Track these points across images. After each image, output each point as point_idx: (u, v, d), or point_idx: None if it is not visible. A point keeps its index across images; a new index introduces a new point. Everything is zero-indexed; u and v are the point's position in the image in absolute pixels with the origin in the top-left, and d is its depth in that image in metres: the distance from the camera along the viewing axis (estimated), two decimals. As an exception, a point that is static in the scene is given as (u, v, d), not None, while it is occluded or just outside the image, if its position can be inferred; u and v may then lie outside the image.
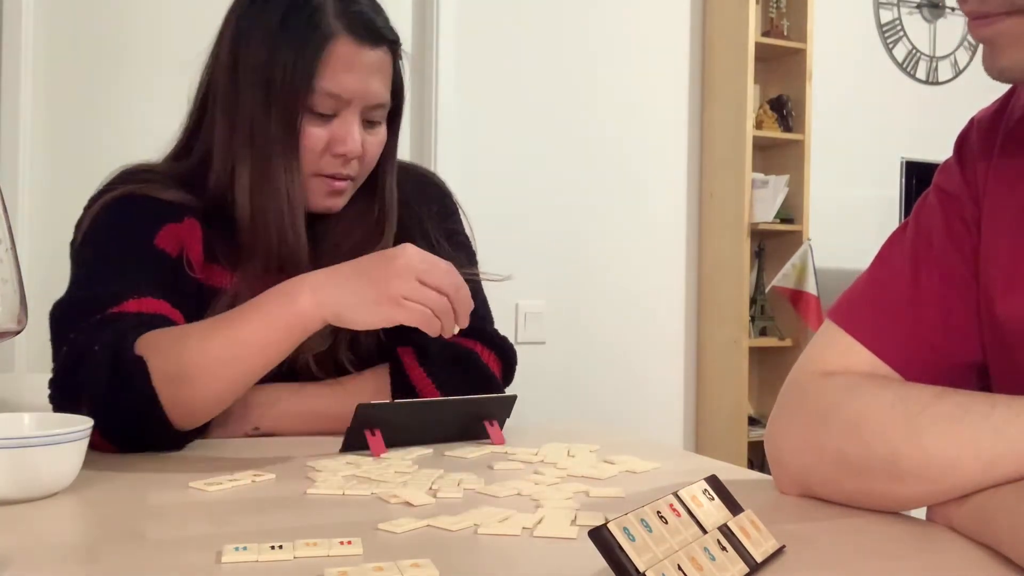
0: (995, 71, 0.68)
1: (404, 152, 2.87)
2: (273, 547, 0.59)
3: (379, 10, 1.14)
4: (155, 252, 1.06)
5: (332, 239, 1.16)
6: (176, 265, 1.07)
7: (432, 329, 0.93)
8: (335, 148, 1.10)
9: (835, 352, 0.79)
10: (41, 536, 0.66)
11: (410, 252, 0.93)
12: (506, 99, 2.86)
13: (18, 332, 0.60)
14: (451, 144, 2.76)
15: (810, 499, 0.78)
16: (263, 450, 0.96)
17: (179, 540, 0.64)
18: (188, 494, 0.77)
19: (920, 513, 0.72)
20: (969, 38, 3.60)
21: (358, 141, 1.10)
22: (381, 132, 1.16)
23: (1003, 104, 0.81)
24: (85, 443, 0.78)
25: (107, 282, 1.00)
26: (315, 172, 1.11)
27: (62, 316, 1.00)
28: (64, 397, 0.93)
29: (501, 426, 1.04)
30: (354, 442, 0.95)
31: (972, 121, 0.83)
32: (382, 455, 0.93)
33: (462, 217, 1.30)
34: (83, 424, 0.77)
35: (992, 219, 0.77)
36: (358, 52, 1.09)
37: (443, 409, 1.03)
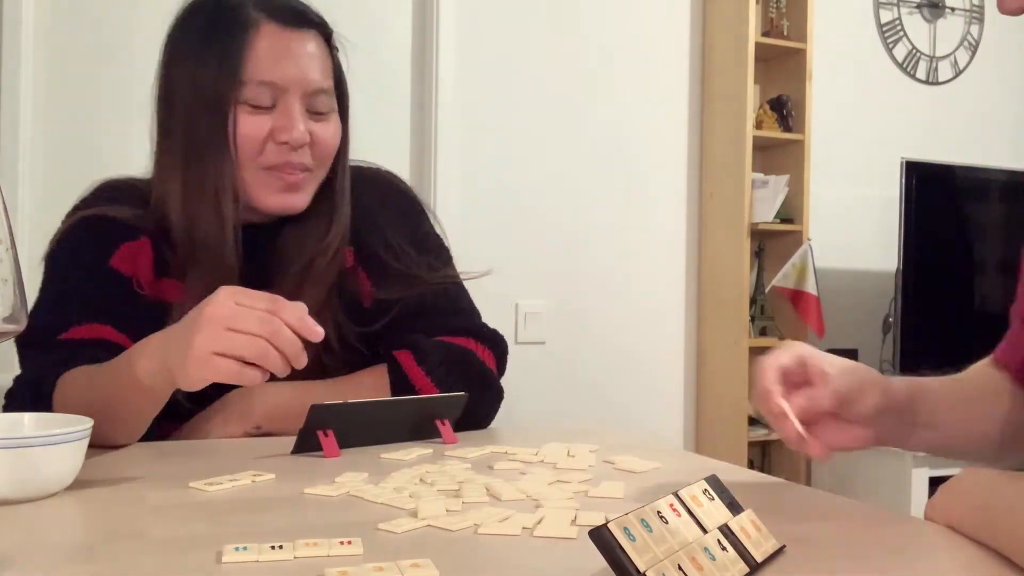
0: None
1: (404, 152, 2.90)
2: (273, 547, 0.59)
3: (306, 2, 1.15)
4: (109, 273, 1.11)
5: (286, 245, 1.15)
6: (130, 283, 1.12)
7: (246, 380, 0.82)
8: (278, 136, 1.09)
9: None
10: (41, 536, 0.66)
11: (219, 298, 0.83)
12: (506, 99, 2.86)
13: (18, 332, 0.60)
14: (451, 144, 2.76)
15: (810, 499, 0.77)
16: (263, 450, 0.96)
17: (179, 540, 0.64)
18: (188, 494, 0.77)
19: (919, 512, 0.72)
20: (969, 38, 3.60)
21: (301, 129, 1.09)
22: (333, 122, 1.14)
23: None
24: (85, 443, 0.78)
25: (59, 309, 1.08)
26: (263, 166, 1.10)
27: (23, 341, 1.07)
28: (5, 409, 1.04)
29: (453, 425, 1.04)
30: (307, 443, 0.94)
31: None
32: (336, 457, 0.93)
33: (430, 217, 1.28)
34: (83, 424, 0.77)
35: None
36: (284, 36, 1.09)
37: (395, 409, 1.03)
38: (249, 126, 1.08)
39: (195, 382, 0.84)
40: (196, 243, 1.10)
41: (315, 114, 1.12)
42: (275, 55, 1.08)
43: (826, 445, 0.78)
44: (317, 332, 0.84)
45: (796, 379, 0.80)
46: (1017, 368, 0.91)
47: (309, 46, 1.11)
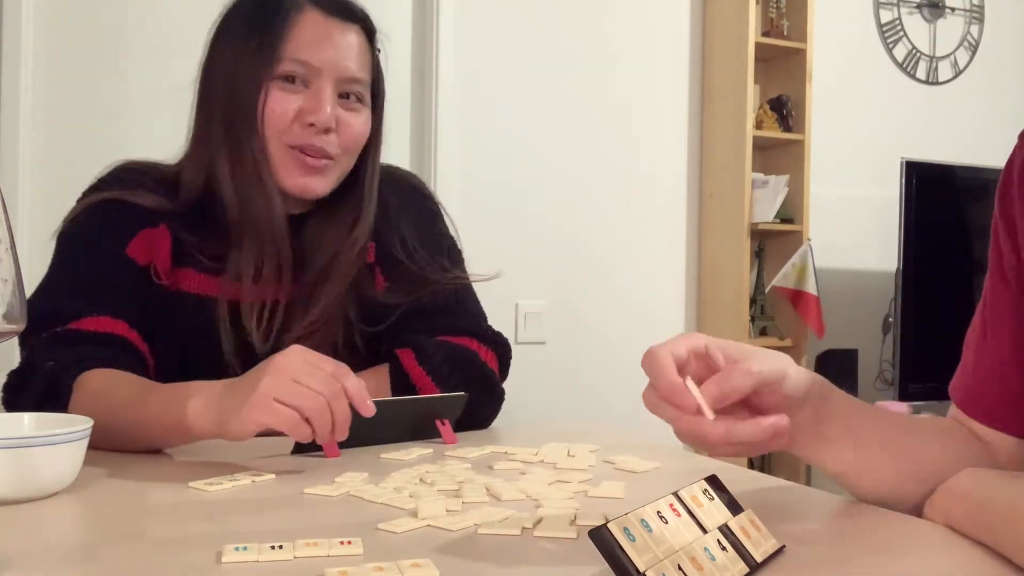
0: None
1: (404, 152, 2.89)
2: (273, 547, 0.59)
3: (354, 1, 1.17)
4: (124, 262, 1.10)
5: (312, 238, 1.16)
6: (145, 272, 1.11)
7: (300, 435, 0.84)
8: (306, 117, 1.10)
9: None
10: (41, 536, 0.66)
11: (293, 353, 0.86)
12: (506, 99, 2.86)
13: (18, 332, 0.60)
14: (451, 144, 2.76)
15: (810, 499, 0.77)
16: (263, 450, 0.96)
17: (179, 540, 0.64)
18: (188, 494, 0.77)
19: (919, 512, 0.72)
20: (969, 38, 3.60)
21: (329, 112, 1.10)
22: (364, 114, 1.15)
23: None
24: (85, 443, 0.78)
25: (71, 295, 1.07)
26: (287, 143, 1.11)
27: (29, 323, 1.03)
28: (8, 394, 1.02)
29: (453, 426, 1.04)
30: (307, 444, 0.91)
31: (1021, 137, 0.82)
32: (336, 457, 0.92)
33: (445, 219, 1.29)
34: (83, 424, 0.77)
35: None
36: (326, 23, 1.11)
37: (395, 410, 1.03)
38: (278, 102, 1.09)
39: (249, 424, 0.83)
40: (247, 217, 1.10)
41: (346, 102, 1.13)
42: (315, 38, 1.10)
43: (732, 438, 0.64)
44: (370, 408, 0.86)
45: (697, 372, 0.68)
46: (961, 397, 0.85)
47: (350, 37, 1.13)
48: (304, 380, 0.83)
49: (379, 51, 1.20)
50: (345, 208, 1.17)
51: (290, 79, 1.10)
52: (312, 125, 1.10)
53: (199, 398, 0.87)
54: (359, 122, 1.14)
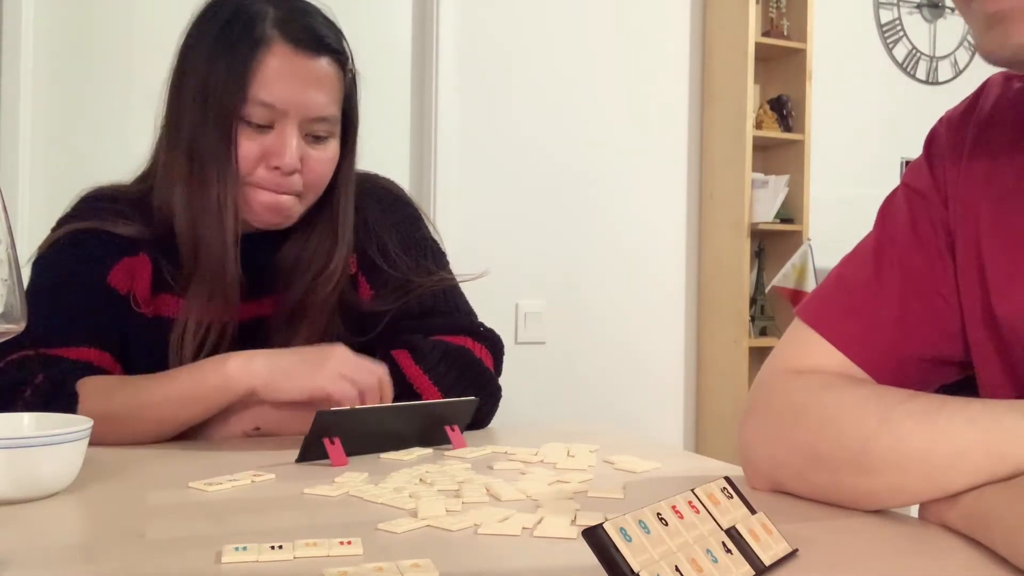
0: (1008, 50, 0.62)
1: (404, 151, 2.90)
2: (273, 547, 0.59)
3: (328, 24, 1.13)
4: (105, 292, 1.10)
5: (286, 261, 1.16)
6: (126, 301, 1.11)
7: (348, 401, 0.99)
8: (270, 161, 1.08)
9: (805, 350, 0.80)
10: (41, 536, 0.66)
11: (341, 352, 1.03)
12: (506, 99, 2.86)
13: (18, 332, 0.60)
14: (451, 145, 2.76)
15: (811, 500, 0.77)
16: (263, 450, 0.96)
17: (179, 540, 0.64)
18: (188, 494, 0.77)
19: (915, 512, 0.72)
20: (969, 38, 3.59)
21: (294, 155, 1.07)
22: (330, 148, 1.13)
23: (972, 103, 0.81)
24: (85, 443, 0.78)
25: (50, 325, 1.04)
26: (254, 184, 1.09)
27: (7, 349, 1.03)
28: None
29: (462, 430, 1.03)
30: (312, 451, 0.91)
31: (941, 120, 0.83)
32: (342, 465, 0.90)
33: (426, 223, 1.28)
34: (83, 424, 0.78)
35: (966, 220, 0.77)
36: (294, 59, 1.07)
37: (404, 415, 1.01)
38: (245, 149, 1.07)
39: (308, 388, 1.00)
40: (199, 253, 1.09)
41: (313, 139, 1.11)
42: (281, 77, 1.06)
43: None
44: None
45: None
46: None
47: (320, 72, 1.09)
48: (354, 376, 1.01)
49: (351, 75, 1.16)
50: (319, 238, 1.17)
51: (256, 121, 1.07)
52: (277, 168, 1.08)
53: (238, 359, 0.99)
54: (326, 158, 1.12)
